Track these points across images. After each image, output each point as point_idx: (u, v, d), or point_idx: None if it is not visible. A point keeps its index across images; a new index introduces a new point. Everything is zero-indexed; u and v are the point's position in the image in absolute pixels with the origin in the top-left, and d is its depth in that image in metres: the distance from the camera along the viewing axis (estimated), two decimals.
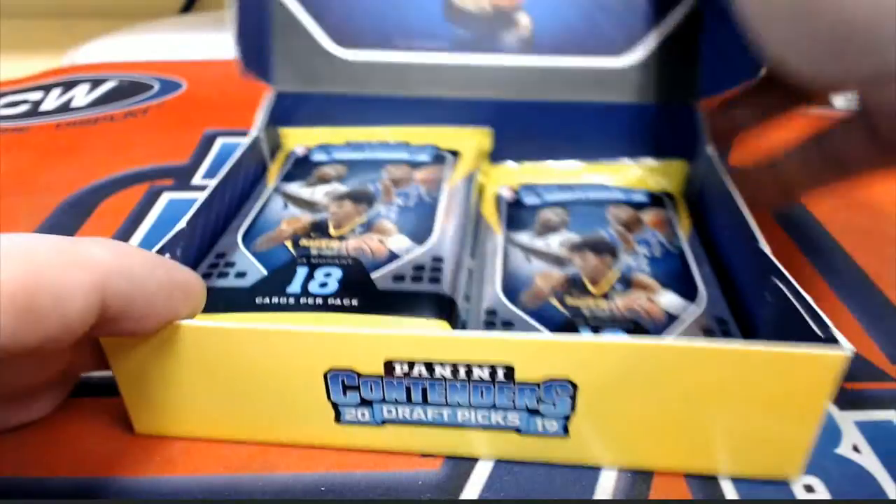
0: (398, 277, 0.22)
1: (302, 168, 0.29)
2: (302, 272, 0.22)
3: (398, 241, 0.24)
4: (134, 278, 0.16)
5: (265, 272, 0.22)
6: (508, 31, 0.31)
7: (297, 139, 0.32)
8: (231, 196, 0.27)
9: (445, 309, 0.21)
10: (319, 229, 0.25)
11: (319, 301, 0.21)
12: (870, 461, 0.20)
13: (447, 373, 0.18)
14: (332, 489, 0.19)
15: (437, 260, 0.23)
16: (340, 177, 0.28)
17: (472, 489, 0.19)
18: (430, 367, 0.18)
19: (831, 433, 0.21)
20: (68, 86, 0.49)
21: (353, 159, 0.30)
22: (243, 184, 0.29)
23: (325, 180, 0.28)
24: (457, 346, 0.18)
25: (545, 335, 0.18)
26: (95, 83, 0.49)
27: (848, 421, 0.22)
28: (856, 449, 0.21)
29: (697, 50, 0.30)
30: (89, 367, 0.21)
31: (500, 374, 0.18)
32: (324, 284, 0.22)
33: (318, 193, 0.27)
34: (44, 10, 0.65)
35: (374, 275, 0.22)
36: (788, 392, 0.17)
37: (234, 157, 0.27)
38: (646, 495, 0.19)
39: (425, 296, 0.21)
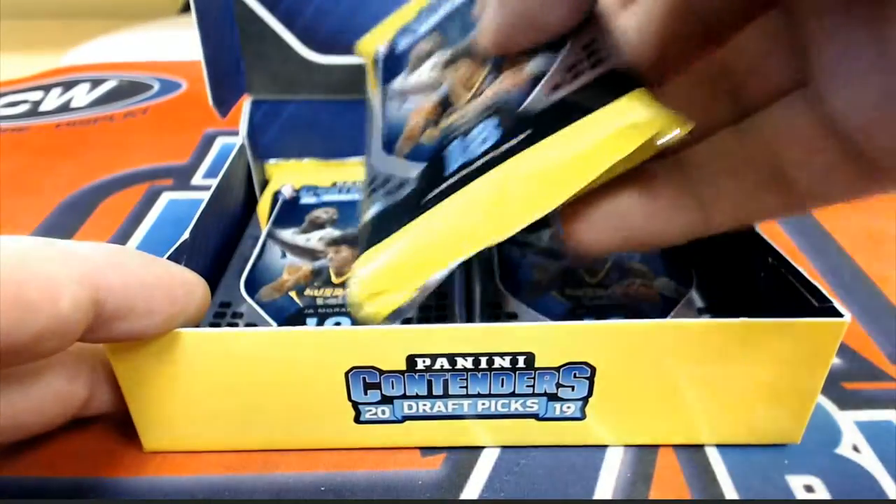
0: None
1: (292, 212, 0.30)
2: (312, 323, 0.23)
3: None
4: (127, 273, 0.16)
5: (274, 324, 0.23)
6: None
7: (281, 173, 0.33)
8: (224, 207, 0.28)
9: None
10: (321, 277, 0.25)
11: None
12: (870, 461, 0.20)
13: (469, 364, 0.19)
14: (332, 489, 0.19)
15: None
16: (333, 220, 0.29)
17: (472, 489, 0.19)
18: (451, 359, 0.18)
19: (831, 433, 0.21)
20: (68, 86, 0.49)
21: (343, 201, 0.30)
22: (236, 192, 0.29)
23: (318, 225, 0.29)
24: (479, 336, 0.18)
25: (565, 322, 0.18)
26: (95, 83, 0.49)
27: (848, 421, 0.22)
28: (856, 449, 0.21)
29: None
30: (111, 403, 0.20)
31: (521, 361, 0.19)
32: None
33: (313, 240, 0.28)
34: (44, 10, 0.65)
35: None
36: (795, 361, 0.19)
37: (224, 167, 0.28)
38: (646, 495, 0.19)
39: None
